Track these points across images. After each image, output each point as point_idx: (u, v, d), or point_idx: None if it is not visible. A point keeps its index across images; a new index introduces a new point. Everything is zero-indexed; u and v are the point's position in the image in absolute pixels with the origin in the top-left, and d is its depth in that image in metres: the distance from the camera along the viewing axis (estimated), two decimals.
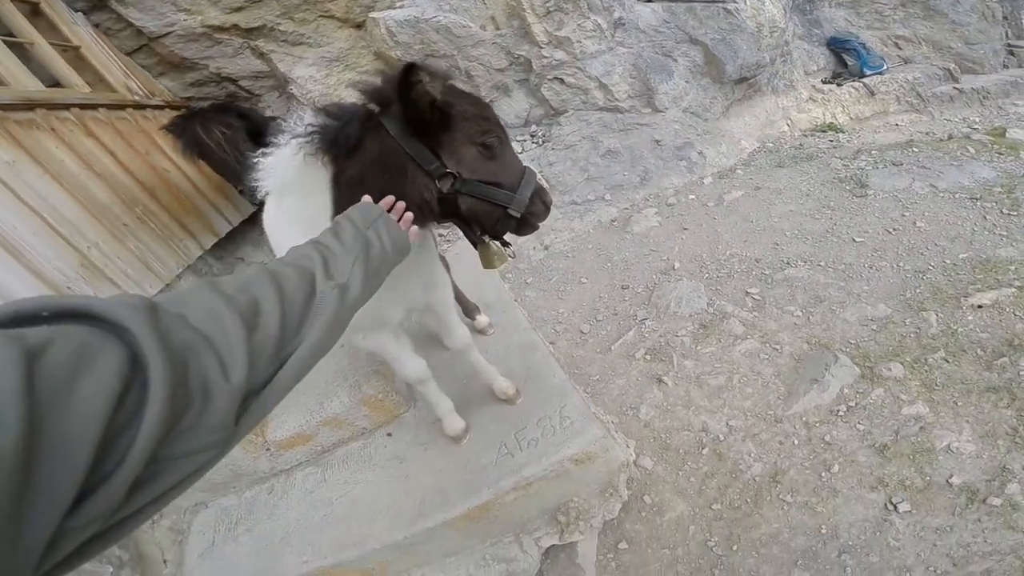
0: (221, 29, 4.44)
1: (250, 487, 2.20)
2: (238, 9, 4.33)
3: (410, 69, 1.17)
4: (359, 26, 4.70)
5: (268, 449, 2.14)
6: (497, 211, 1.33)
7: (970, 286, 2.57)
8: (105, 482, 0.45)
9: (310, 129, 1.24)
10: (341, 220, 1.07)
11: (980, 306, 2.43)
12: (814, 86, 5.77)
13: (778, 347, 2.47)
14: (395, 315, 1.59)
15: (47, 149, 3.01)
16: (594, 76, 4.81)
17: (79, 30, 4.06)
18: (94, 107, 3.59)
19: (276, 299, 0.73)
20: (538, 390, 2.00)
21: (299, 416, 2.12)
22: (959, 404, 2.03)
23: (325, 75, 4.84)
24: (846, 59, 5.87)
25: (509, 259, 1.46)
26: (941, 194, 3.39)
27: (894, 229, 3.15)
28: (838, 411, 2.10)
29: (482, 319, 2.48)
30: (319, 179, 1.29)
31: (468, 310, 2.50)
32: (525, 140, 5.01)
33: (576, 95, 4.94)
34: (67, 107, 3.33)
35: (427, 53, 4.59)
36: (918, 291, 2.63)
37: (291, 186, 1.33)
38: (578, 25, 4.66)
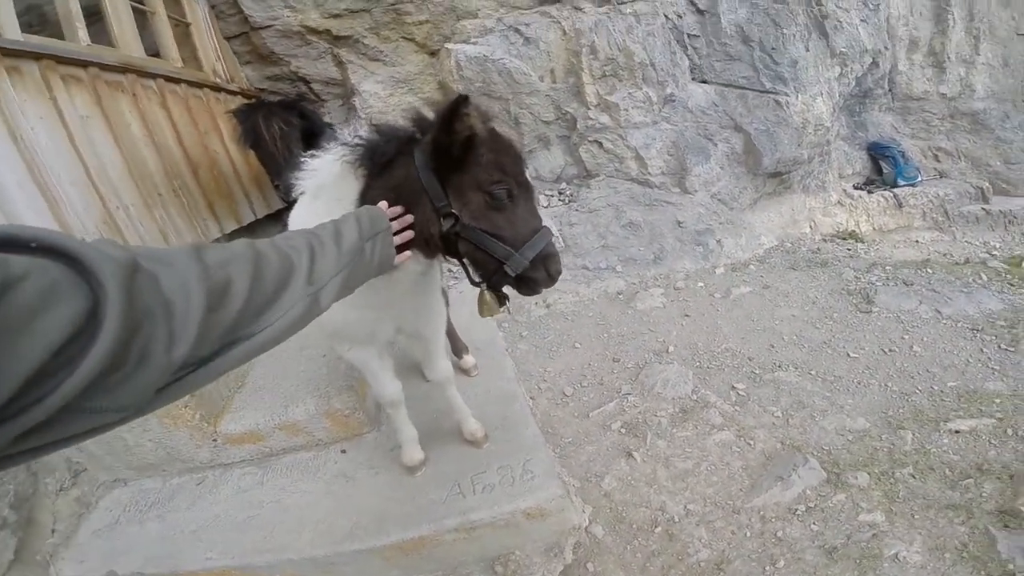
0: (314, 32, 5.04)
1: (181, 474, 2.32)
2: (336, 16, 4.93)
3: (463, 99, 1.27)
4: (433, 54, 5.26)
5: (215, 440, 2.28)
6: (493, 263, 1.38)
7: (952, 412, 2.77)
8: (14, 417, 0.48)
9: (356, 141, 1.41)
10: (350, 220, 1.16)
11: (958, 431, 2.63)
12: (845, 190, 6.04)
13: (751, 442, 2.67)
14: (384, 333, 1.76)
15: (120, 111, 3.40)
16: (632, 146, 5.16)
17: (196, 8, 4.67)
18: (177, 81, 4.08)
19: (248, 284, 0.79)
20: (507, 440, 2.19)
21: (258, 415, 2.28)
22: (916, 517, 2.20)
23: (389, 94, 5.37)
24: (883, 166, 6.13)
25: (502, 312, 1.52)
26: (944, 320, 3.61)
27: (890, 350, 3.36)
28: (796, 510, 2.28)
29: (468, 359, 2.71)
30: (351, 190, 1.44)
31: (457, 348, 2.74)
32: (553, 196, 5.33)
33: (611, 161, 5.28)
34: (154, 77, 3.79)
35: (485, 92, 5.03)
36: (900, 411, 2.83)
37: (325, 190, 1.48)
38: (629, 93, 5.06)
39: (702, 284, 4.43)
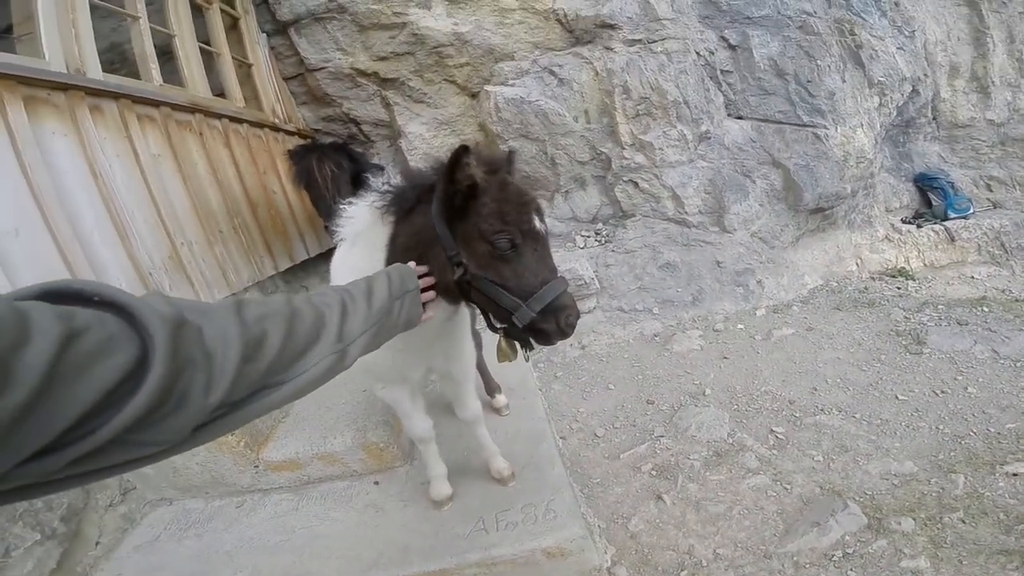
0: (363, 74, 5.49)
1: (223, 497, 2.51)
2: (383, 58, 5.36)
3: (463, 149, 1.33)
4: (474, 95, 5.58)
5: (257, 466, 2.48)
6: (502, 313, 1.41)
7: (1010, 455, 2.71)
8: (67, 446, 0.57)
9: (385, 188, 1.53)
10: (382, 279, 1.23)
11: (1016, 474, 2.57)
12: (892, 224, 5.93)
13: (788, 487, 2.68)
14: (415, 374, 1.90)
15: (188, 149, 3.74)
16: (668, 185, 5.24)
17: (258, 50, 5.17)
18: (240, 121, 4.45)
19: (281, 338, 0.88)
20: (533, 478, 2.30)
21: (299, 444, 2.48)
22: (964, 563, 2.16)
23: (433, 135, 5.72)
24: (932, 198, 6.00)
25: (522, 358, 1.56)
26: (1002, 360, 3.53)
27: (942, 391, 3.31)
28: (833, 556, 2.28)
29: (500, 399, 2.84)
30: (382, 236, 1.52)
31: (490, 388, 2.88)
32: (589, 236, 5.46)
33: (647, 201, 5.37)
34: (220, 116, 4.16)
35: (523, 134, 5.27)
36: (952, 454, 2.79)
37: (361, 237, 1.60)
38: (663, 132, 5.17)
39: (742, 326, 4.46)
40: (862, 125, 5.35)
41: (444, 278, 1.45)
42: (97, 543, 2.39)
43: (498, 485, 2.28)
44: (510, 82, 5.30)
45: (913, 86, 5.70)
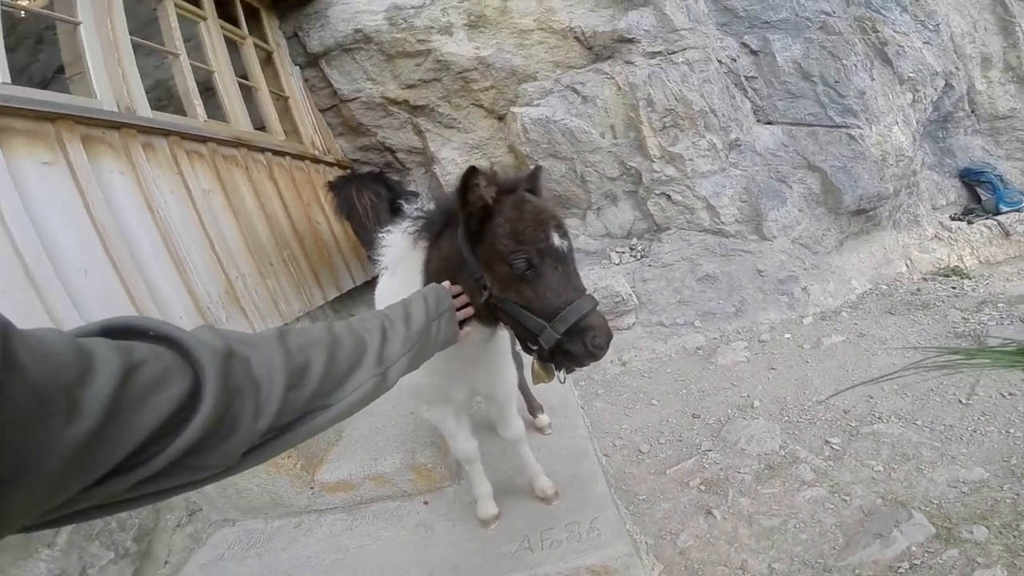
0: (394, 102, 5.67)
1: (282, 517, 2.63)
2: (412, 86, 5.53)
3: (471, 171, 1.33)
4: (501, 118, 5.69)
5: (312, 488, 2.59)
6: (529, 336, 1.38)
7: None
8: (130, 471, 0.62)
9: (417, 214, 1.56)
10: (418, 301, 1.26)
11: None
12: (941, 223, 5.77)
13: (847, 498, 2.59)
14: (458, 395, 1.94)
15: (236, 184, 3.88)
16: (702, 196, 5.20)
17: (293, 82, 5.40)
18: (283, 154, 4.64)
19: (324, 365, 0.93)
20: (577, 496, 2.30)
21: (352, 466, 2.58)
22: None
23: (465, 160, 5.81)
24: (980, 193, 5.83)
25: (556, 380, 1.51)
26: None
27: (1010, 393, 3.17)
28: (899, 568, 2.18)
29: (543, 418, 2.86)
30: (417, 262, 1.54)
31: (532, 408, 2.90)
32: (624, 252, 5.45)
33: (681, 213, 5.34)
34: (263, 150, 4.33)
35: (552, 153, 5.34)
36: None
37: (401, 264, 1.64)
38: (692, 143, 5.14)
39: (789, 335, 4.37)
40: (897, 123, 5.25)
41: (474, 301, 1.44)
42: (166, 562, 2.54)
43: (542, 504, 2.29)
44: (535, 102, 5.39)
45: (945, 80, 5.59)
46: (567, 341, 1.32)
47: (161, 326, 0.75)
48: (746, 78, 5.38)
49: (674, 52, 5.14)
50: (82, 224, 2.67)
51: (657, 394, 3.76)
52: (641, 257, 5.30)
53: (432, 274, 1.52)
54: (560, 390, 3.23)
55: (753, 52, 5.34)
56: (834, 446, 2.98)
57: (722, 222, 5.19)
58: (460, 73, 5.38)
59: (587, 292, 1.40)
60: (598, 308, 1.38)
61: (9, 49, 2.79)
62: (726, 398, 3.60)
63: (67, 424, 0.52)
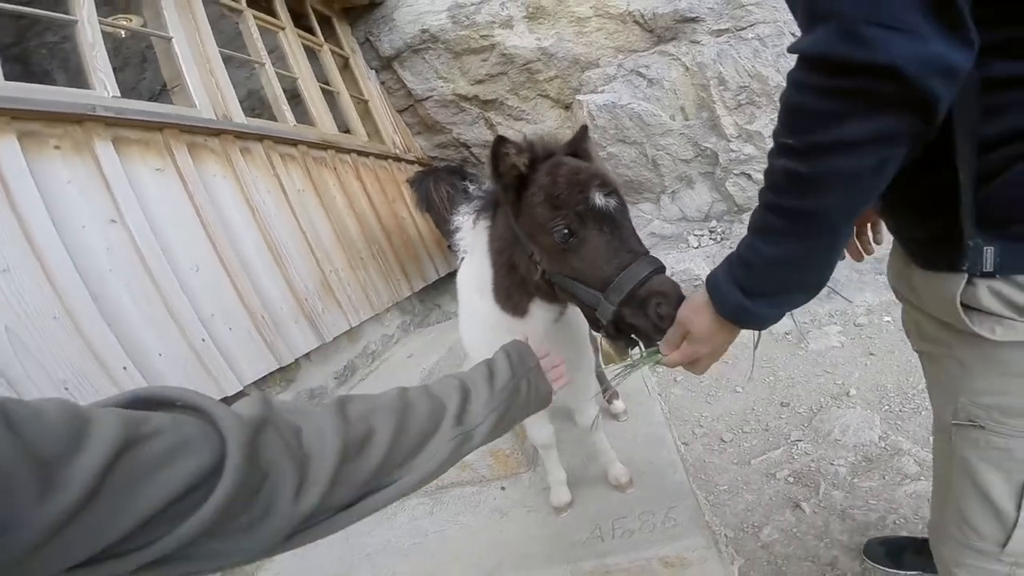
0: (465, 98, 5.90)
1: None
2: (480, 82, 5.73)
3: (499, 141, 1.25)
4: (567, 107, 5.75)
5: None
6: (587, 310, 1.27)
7: None
8: (126, 555, 0.56)
9: (477, 195, 1.58)
10: (501, 357, 1.15)
11: None
12: None
13: None
14: None
15: (327, 184, 4.19)
16: None
17: (370, 86, 5.77)
18: (367, 155, 4.96)
19: (392, 435, 0.84)
20: (652, 485, 2.25)
21: None
22: None
23: None
24: None
25: (629, 359, 1.35)
26: None
27: None
28: None
29: (618, 405, 2.82)
30: (483, 243, 1.54)
31: (607, 393, 2.86)
32: (703, 235, 5.31)
33: None
34: (349, 152, 4.64)
35: (620, 138, 5.33)
36: None
37: (474, 248, 1.63)
38: (771, 119, 4.89)
39: (889, 318, 4.05)
40: None
41: (531, 278, 1.38)
42: None
43: (616, 491, 2.25)
44: (599, 89, 5.36)
45: None
46: (629, 314, 1.16)
47: (191, 396, 0.69)
48: None
49: (743, 28, 4.93)
50: (192, 224, 2.95)
51: (741, 381, 3.60)
52: (721, 240, 5.13)
53: (495, 254, 1.51)
54: (636, 375, 3.16)
55: None
56: None
57: None
58: (524, 65, 5.43)
59: (646, 254, 1.22)
60: (663, 272, 1.21)
61: (117, 68, 3.13)
62: (818, 386, 3.40)
63: (40, 499, 0.48)
